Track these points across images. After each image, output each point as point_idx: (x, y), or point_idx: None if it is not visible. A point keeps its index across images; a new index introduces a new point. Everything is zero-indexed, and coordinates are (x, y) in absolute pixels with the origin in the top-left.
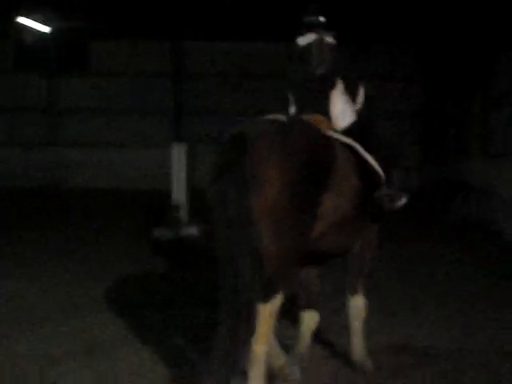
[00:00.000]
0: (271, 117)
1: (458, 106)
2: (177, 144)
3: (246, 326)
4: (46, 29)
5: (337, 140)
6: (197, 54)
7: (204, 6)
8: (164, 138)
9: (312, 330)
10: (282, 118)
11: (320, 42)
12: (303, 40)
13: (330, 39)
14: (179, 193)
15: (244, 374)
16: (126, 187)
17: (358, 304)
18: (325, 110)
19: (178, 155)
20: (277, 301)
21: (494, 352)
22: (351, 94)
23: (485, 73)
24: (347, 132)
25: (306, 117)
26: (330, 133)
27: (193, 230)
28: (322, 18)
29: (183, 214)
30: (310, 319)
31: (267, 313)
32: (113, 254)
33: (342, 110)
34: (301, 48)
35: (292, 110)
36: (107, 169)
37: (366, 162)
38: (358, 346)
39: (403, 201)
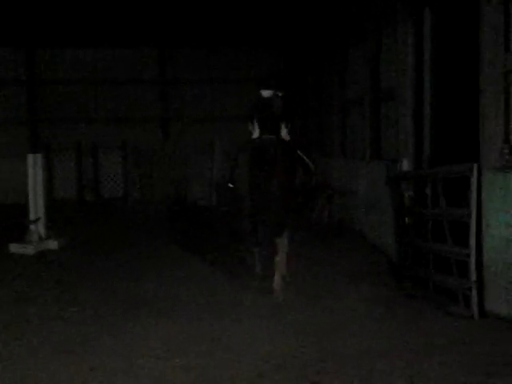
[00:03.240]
0: (266, 136)
1: (317, 109)
2: (32, 154)
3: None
4: None
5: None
6: (51, 60)
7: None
8: (18, 149)
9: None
10: (272, 137)
11: (276, 96)
12: (265, 93)
13: (279, 93)
14: (36, 205)
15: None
16: None
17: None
18: (278, 133)
19: (34, 166)
20: (285, 235)
21: None
22: (289, 123)
23: (339, 75)
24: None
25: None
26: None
27: (52, 245)
28: (273, 81)
29: (41, 227)
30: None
31: (282, 241)
32: None
33: (286, 132)
34: (265, 98)
35: (258, 131)
36: None
37: (302, 157)
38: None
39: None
